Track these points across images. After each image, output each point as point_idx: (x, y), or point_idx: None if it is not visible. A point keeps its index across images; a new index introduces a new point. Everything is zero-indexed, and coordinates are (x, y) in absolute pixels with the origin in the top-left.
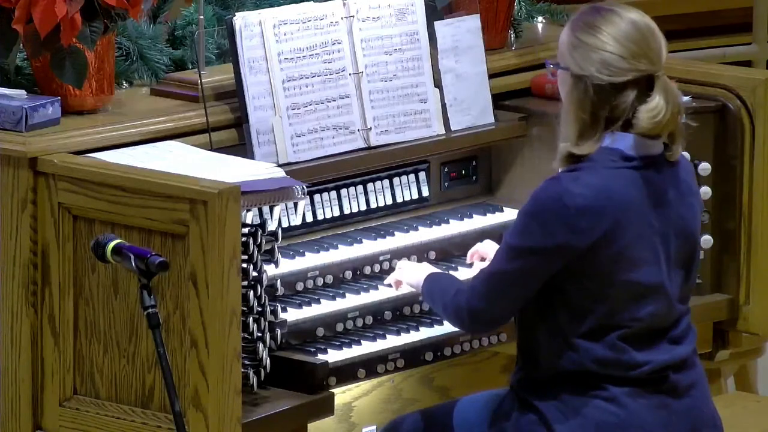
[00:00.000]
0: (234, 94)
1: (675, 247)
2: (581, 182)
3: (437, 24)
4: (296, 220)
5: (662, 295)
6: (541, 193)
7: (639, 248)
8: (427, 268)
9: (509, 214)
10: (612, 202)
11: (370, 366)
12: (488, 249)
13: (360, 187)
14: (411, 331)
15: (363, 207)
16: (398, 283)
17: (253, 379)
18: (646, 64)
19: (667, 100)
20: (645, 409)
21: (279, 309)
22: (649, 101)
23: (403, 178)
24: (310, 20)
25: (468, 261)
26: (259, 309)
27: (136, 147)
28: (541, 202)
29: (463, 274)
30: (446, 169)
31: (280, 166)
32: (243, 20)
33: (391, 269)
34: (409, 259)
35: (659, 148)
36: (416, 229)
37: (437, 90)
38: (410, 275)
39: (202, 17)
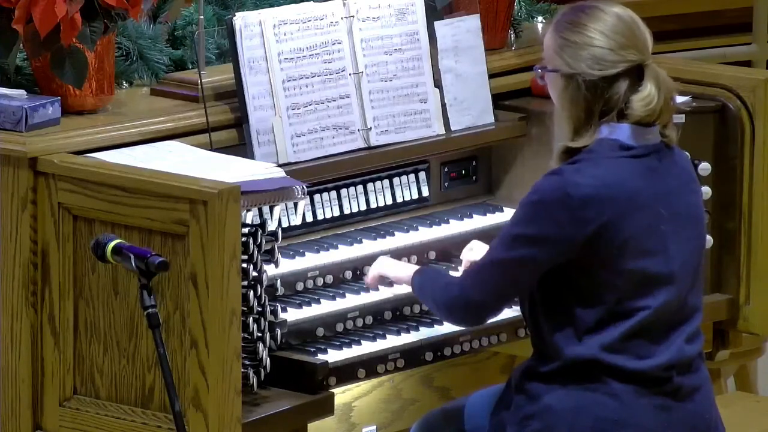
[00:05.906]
0: (234, 94)
1: (686, 235)
2: (584, 173)
3: (437, 24)
4: (296, 220)
5: (672, 284)
6: (544, 183)
7: (645, 237)
8: (412, 265)
9: (509, 214)
10: (615, 191)
11: (370, 366)
12: (478, 251)
13: (360, 187)
14: (411, 331)
15: (363, 207)
16: (374, 281)
17: (253, 379)
18: (634, 54)
19: (659, 87)
20: (645, 409)
21: (279, 309)
22: (641, 90)
23: (403, 178)
24: (310, 20)
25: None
26: (259, 309)
27: (136, 147)
28: (545, 192)
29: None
30: (446, 169)
31: (280, 166)
32: (243, 20)
33: None
34: (408, 259)
35: (657, 137)
36: (416, 229)
37: (437, 90)
38: (396, 269)
39: (202, 17)
